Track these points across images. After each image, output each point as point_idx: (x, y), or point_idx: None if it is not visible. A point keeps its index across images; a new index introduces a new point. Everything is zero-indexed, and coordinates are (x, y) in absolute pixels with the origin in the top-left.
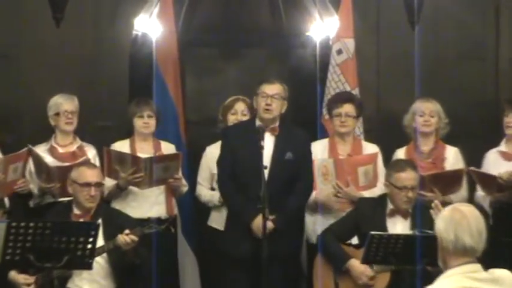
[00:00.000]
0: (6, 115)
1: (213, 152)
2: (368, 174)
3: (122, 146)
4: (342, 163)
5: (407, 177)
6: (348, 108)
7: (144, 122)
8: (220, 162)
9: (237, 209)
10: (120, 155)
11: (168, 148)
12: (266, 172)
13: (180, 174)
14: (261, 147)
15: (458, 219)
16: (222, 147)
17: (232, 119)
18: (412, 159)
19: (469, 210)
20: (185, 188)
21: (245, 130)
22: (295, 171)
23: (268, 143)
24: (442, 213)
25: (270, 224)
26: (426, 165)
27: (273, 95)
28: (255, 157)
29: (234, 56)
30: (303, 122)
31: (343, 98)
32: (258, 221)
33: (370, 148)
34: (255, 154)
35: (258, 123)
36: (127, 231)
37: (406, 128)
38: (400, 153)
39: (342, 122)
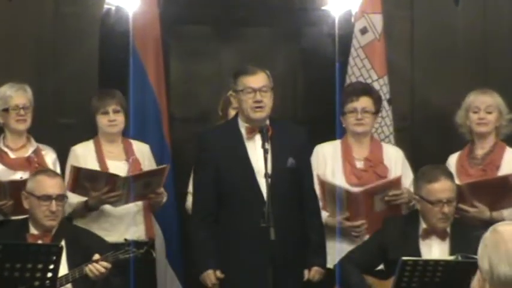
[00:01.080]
0: None
1: None
2: (385, 197)
3: (85, 151)
4: (356, 197)
5: (441, 188)
6: (365, 102)
7: (110, 120)
8: (199, 189)
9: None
10: (92, 174)
11: (142, 149)
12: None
13: (161, 188)
14: (266, 151)
15: (495, 243)
16: (200, 163)
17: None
18: (459, 167)
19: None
20: (164, 199)
21: (227, 134)
22: (298, 181)
23: (260, 147)
24: (484, 235)
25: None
26: (475, 173)
27: (260, 88)
28: (246, 167)
29: (231, 36)
30: (317, 118)
31: (359, 89)
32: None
33: (392, 151)
34: (245, 164)
35: (243, 124)
36: (97, 256)
37: (460, 127)
38: (452, 160)
39: (358, 120)
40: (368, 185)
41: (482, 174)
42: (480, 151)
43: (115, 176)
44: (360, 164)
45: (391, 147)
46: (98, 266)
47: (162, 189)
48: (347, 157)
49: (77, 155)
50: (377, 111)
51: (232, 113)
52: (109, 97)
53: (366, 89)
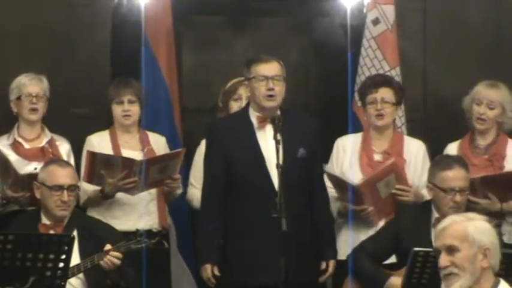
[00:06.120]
0: None
1: None
2: (390, 183)
3: (100, 140)
4: (359, 189)
5: (454, 176)
6: (384, 92)
7: (124, 110)
8: (209, 180)
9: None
10: (107, 159)
11: (158, 141)
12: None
13: (178, 174)
14: (278, 142)
15: None
16: (210, 153)
17: (235, 107)
18: (462, 156)
19: None
20: (179, 191)
21: (238, 124)
22: (308, 171)
23: (271, 137)
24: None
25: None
26: (481, 163)
27: (273, 77)
28: (257, 157)
29: (244, 26)
30: (329, 109)
31: (378, 81)
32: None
33: (414, 145)
34: (255, 153)
35: (254, 114)
36: (109, 246)
37: (467, 112)
38: (452, 149)
39: (377, 110)
40: (367, 176)
41: (489, 165)
42: (482, 141)
43: (131, 160)
44: (378, 157)
45: (414, 141)
46: (109, 257)
47: (178, 175)
48: (365, 149)
49: (92, 145)
50: (398, 103)
51: (233, 105)
52: (124, 87)
53: (385, 80)
